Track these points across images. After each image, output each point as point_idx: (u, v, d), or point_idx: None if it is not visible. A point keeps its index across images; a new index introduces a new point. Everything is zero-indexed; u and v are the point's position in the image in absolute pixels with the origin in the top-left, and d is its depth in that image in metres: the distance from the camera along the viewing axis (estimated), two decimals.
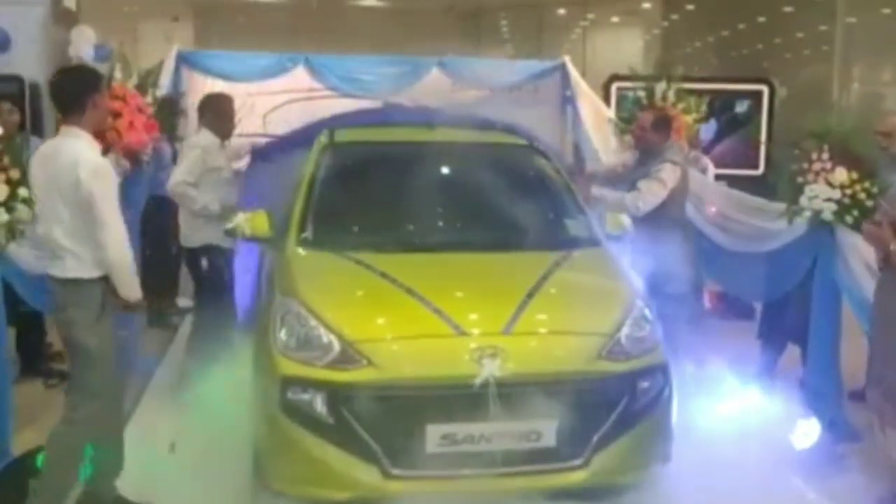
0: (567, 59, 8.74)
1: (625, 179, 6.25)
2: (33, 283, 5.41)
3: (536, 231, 5.02)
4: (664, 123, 6.27)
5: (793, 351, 6.21)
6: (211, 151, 6.04)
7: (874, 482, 4.62)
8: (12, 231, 4.69)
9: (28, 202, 5.01)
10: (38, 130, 8.02)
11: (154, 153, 6.49)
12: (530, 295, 4.32)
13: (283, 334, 4.17)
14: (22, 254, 5.12)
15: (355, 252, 4.69)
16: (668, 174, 5.91)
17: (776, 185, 6.09)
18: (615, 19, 22.27)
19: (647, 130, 6.17)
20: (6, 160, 4.68)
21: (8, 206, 4.63)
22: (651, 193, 5.85)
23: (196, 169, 5.95)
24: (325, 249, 4.80)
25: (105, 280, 4.08)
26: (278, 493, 4.06)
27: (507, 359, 3.95)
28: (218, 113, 6.16)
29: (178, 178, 5.96)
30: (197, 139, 6.17)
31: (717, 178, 7.81)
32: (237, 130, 8.40)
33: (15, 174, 4.65)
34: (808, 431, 5.27)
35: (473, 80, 8.71)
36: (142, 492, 4.31)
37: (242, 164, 6.98)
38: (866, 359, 4.79)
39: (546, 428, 3.98)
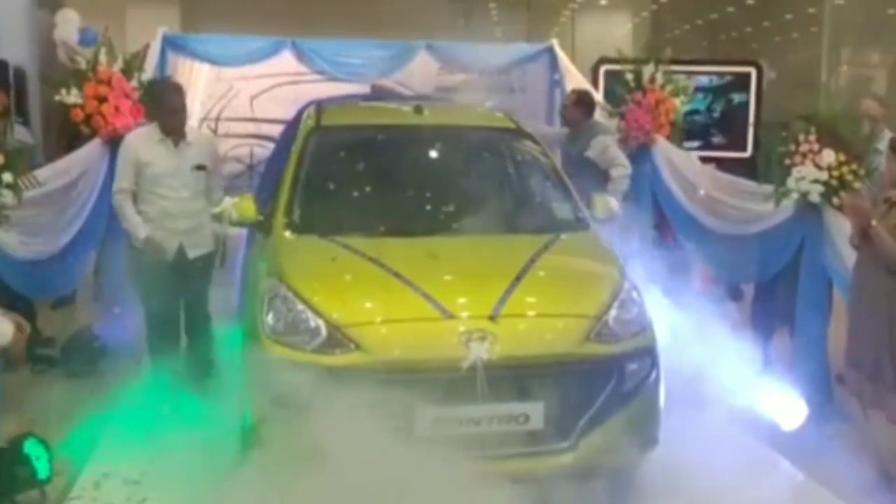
0: (555, 42, 8.70)
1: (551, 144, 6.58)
2: (20, 269, 5.39)
3: (524, 214, 5.02)
4: (587, 102, 7.12)
5: (782, 333, 6.23)
6: (146, 150, 5.44)
7: (862, 463, 4.64)
8: None
9: (13, 187, 4.99)
10: (23, 115, 7.97)
11: None
12: (518, 278, 4.31)
13: (270, 318, 4.16)
14: (8, 239, 5.10)
15: (343, 236, 4.67)
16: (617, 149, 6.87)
17: (760, 166, 6.14)
18: (603, 2, 22.19)
19: (569, 108, 7.07)
20: None
21: None
22: (624, 176, 6.70)
23: (127, 172, 5.44)
24: (313, 233, 4.78)
25: None
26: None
27: (495, 342, 3.94)
28: (158, 103, 5.59)
29: (115, 186, 5.51)
30: (129, 134, 5.70)
31: (707, 160, 7.81)
32: (224, 114, 8.46)
33: None
34: (796, 413, 5.31)
35: (461, 64, 8.67)
36: None
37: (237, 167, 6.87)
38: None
39: (534, 411, 3.98)
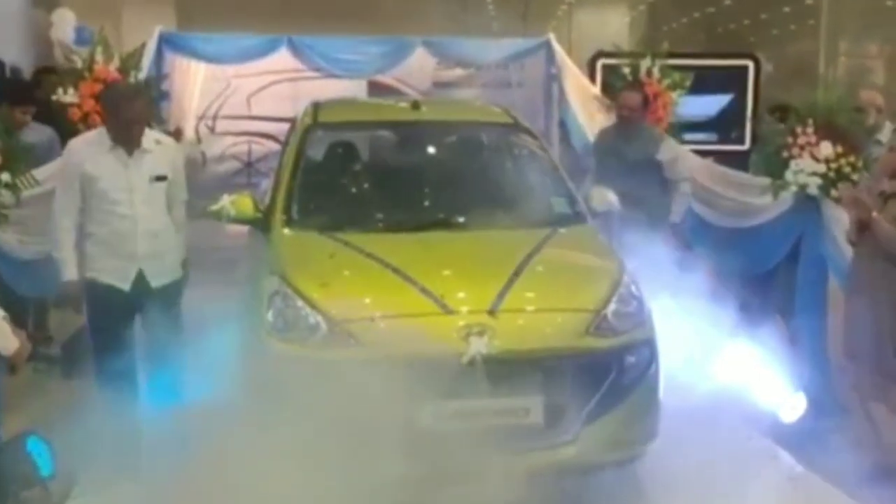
0: (552, 36, 8.71)
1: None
2: (19, 268, 5.39)
3: (523, 209, 5.02)
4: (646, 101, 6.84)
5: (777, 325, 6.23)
6: (94, 160, 4.61)
7: (861, 455, 4.65)
8: None
9: (12, 187, 5.00)
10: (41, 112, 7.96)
11: None
12: (517, 272, 4.31)
13: (270, 315, 4.16)
14: (6, 238, 5.10)
15: (341, 232, 4.68)
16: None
17: (756, 159, 6.15)
18: None
19: (637, 110, 6.62)
20: None
21: None
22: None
23: (71, 186, 4.62)
24: (311, 230, 4.78)
25: None
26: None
27: (494, 336, 3.95)
28: (112, 111, 4.73)
29: (56, 203, 4.70)
30: (73, 140, 4.92)
31: (704, 154, 7.81)
32: (222, 112, 8.46)
33: None
34: (794, 405, 5.31)
35: (458, 59, 8.70)
36: None
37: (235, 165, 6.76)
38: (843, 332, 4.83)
39: (534, 405, 3.99)
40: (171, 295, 4.85)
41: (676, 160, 6.61)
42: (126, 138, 4.62)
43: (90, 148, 4.68)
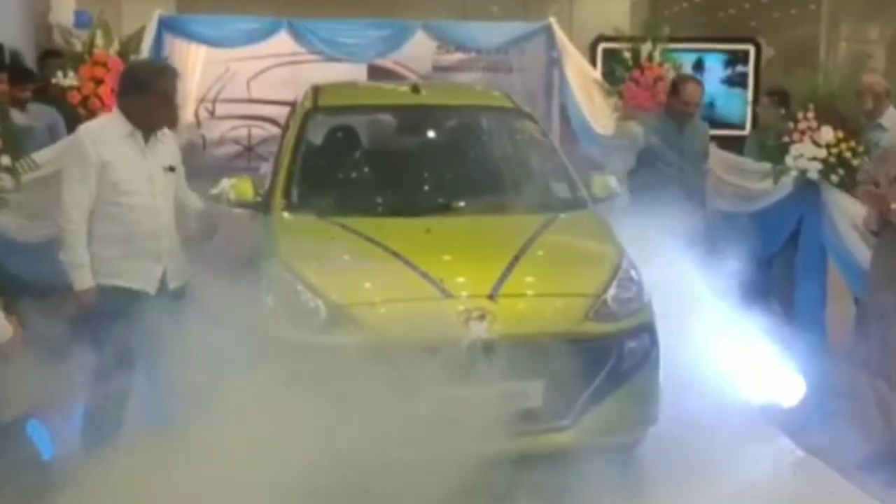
0: (553, 20, 8.67)
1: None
2: (21, 253, 5.38)
3: (523, 194, 5.01)
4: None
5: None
6: (109, 148, 4.19)
7: (860, 439, 4.67)
8: None
9: (12, 171, 4.98)
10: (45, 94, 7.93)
11: None
12: (517, 257, 4.32)
13: (270, 299, 4.16)
14: (5, 223, 5.09)
15: (341, 217, 4.68)
16: None
17: (751, 143, 6.13)
18: None
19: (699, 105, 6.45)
20: None
21: None
22: None
23: (86, 181, 4.15)
24: (311, 214, 4.78)
25: None
26: None
27: (494, 321, 3.96)
28: (130, 88, 4.31)
29: (67, 200, 4.21)
30: (84, 127, 4.45)
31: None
32: (222, 96, 8.44)
33: None
34: (794, 390, 5.32)
35: (459, 43, 8.67)
36: None
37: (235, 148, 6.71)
38: (854, 319, 4.82)
39: (533, 389, 4.01)
40: (179, 298, 4.41)
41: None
42: (155, 119, 4.29)
43: (105, 134, 4.24)
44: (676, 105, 6.39)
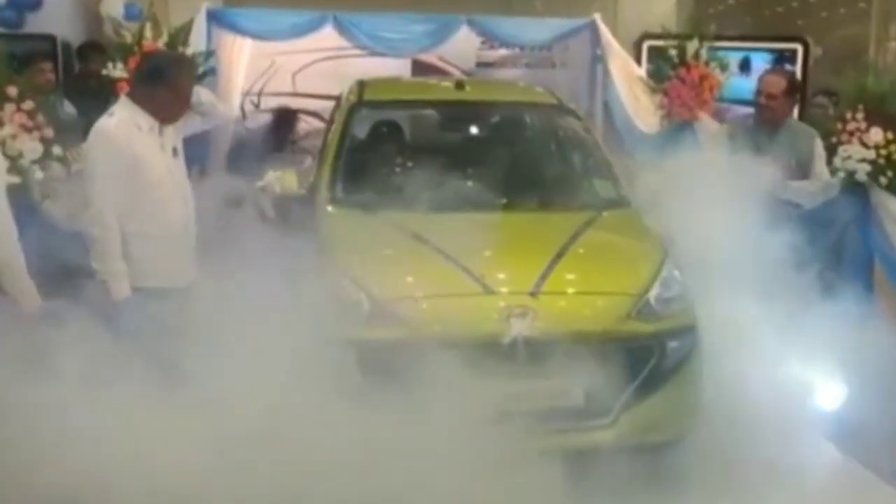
0: (598, 16, 8.63)
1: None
2: (69, 241, 5.47)
3: (566, 191, 5.02)
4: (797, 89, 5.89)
5: None
6: (136, 143, 4.01)
7: None
8: (46, 189, 4.73)
9: (62, 160, 5.07)
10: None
11: None
12: (559, 255, 4.32)
13: (313, 292, 4.19)
14: (55, 211, 5.18)
15: (384, 210, 4.71)
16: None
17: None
18: None
19: (779, 98, 5.58)
20: (40, 119, 4.72)
21: (42, 164, 4.68)
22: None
23: (117, 181, 3.94)
24: (355, 208, 4.82)
25: None
26: None
27: (535, 318, 3.96)
28: (154, 79, 4.14)
29: (96, 203, 3.99)
30: (106, 123, 4.08)
31: None
32: (267, 89, 8.50)
33: (49, 133, 4.70)
34: (838, 395, 5.25)
35: (503, 39, 8.65)
36: None
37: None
38: None
39: (574, 387, 4.00)
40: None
41: (821, 159, 5.64)
42: (176, 111, 4.17)
43: (129, 128, 4.02)
44: (757, 101, 5.74)
